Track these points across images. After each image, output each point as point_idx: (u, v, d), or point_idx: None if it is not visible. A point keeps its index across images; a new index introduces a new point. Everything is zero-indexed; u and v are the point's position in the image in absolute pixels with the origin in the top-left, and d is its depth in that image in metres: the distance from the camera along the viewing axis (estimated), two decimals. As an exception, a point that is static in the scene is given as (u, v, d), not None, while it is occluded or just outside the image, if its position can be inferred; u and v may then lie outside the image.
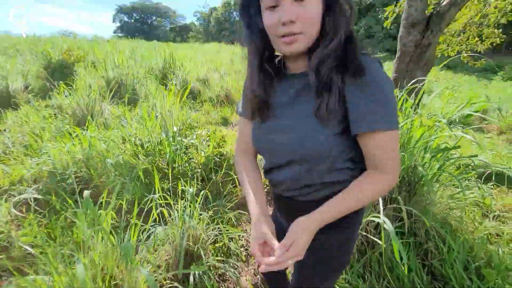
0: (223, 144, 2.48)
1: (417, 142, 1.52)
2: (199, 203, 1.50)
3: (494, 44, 4.92)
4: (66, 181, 1.95)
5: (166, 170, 2.03)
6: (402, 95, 1.66)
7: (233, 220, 1.85)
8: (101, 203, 1.31)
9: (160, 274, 1.27)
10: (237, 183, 2.21)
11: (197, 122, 3.10)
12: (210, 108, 4.94)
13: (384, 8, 4.44)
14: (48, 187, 1.95)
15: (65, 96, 3.56)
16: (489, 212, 2.06)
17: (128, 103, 3.99)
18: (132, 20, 59.25)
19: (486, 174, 2.46)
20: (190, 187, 1.50)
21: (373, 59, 0.63)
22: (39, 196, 1.65)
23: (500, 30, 4.72)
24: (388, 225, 1.12)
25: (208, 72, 7.15)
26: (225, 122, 4.40)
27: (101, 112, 3.29)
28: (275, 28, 0.61)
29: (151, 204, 1.44)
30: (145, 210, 1.45)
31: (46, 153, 2.21)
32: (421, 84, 1.74)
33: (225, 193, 2.07)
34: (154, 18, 60.72)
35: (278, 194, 0.80)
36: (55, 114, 3.29)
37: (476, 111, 1.76)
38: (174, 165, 2.08)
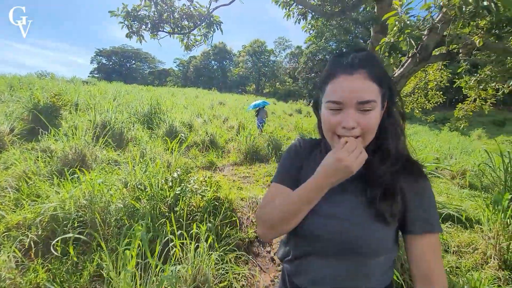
0: (219, 189, 2.69)
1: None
2: (208, 244, 1.66)
3: (439, 102, 5.98)
4: (67, 226, 1.99)
5: (168, 214, 2.17)
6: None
7: (233, 261, 1.99)
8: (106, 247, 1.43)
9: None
10: (237, 225, 2.39)
11: (191, 168, 3.29)
12: (197, 152, 5.15)
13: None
14: (47, 232, 1.98)
15: (56, 139, 3.62)
16: (449, 248, 2.42)
17: (117, 147, 4.12)
18: (111, 63, 60.36)
19: (443, 214, 2.90)
20: (197, 229, 1.68)
21: (420, 163, 0.71)
22: (53, 241, 1.69)
23: (441, 92, 5.82)
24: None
25: (192, 117, 7.52)
26: (212, 166, 4.61)
27: (94, 156, 3.37)
28: (334, 127, 0.65)
29: (161, 245, 1.58)
30: (158, 251, 1.58)
31: (44, 197, 2.25)
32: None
33: (223, 235, 2.22)
34: (133, 62, 62.51)
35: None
36: (44, 157, 3.31)
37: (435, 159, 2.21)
38: (176, 209, 2.23)
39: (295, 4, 3.65)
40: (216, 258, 1.79)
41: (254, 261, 2.15)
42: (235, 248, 2.11)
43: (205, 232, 1.77)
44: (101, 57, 59.60)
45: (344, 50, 0.72)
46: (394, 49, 1.95)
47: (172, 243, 1.69)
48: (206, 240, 1.81)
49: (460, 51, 2.88)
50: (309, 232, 0.69)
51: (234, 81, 54.96)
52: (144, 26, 3.00)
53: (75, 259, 1.61)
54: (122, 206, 2.11)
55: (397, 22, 1.85)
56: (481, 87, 4.05)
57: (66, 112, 5.69)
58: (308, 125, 9.83)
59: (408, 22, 1.82)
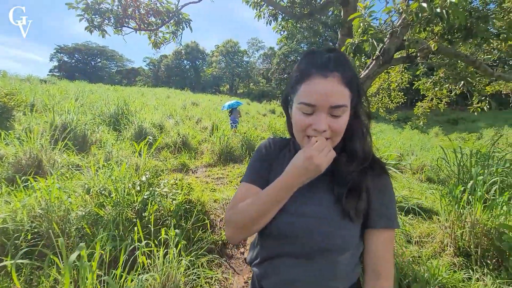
0: (191, 191, 2.61)
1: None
2: (178, 250, 1.60)
3: (401, 102, 6.41)
4: (18, 239, 1.80)
5: (135, 220, 2.06)
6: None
7: (205, 265, 1.94)
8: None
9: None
10: (208, 228, 2.33)
11: (162, 170, 3.16)
12: (168, 155, 4.98)
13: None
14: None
15: (7, 144, 3.27)
16: (411, 238, 2.59)
17: (79, 150, 3.83)
18: (73, 61, 56.31)
19: (406, 207, 3.09)
20: (166, 235, 1.61)
21: (384, 163, 0.74)
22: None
23: (402, 93, 6.24)
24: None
25: (163, 118, 7.26)
26: (184, 168, 4.48)
27: (53, 161, 3.10)
28: (305, 129, 0.65)
29: (126, 253, 1.49)
30: (122, 260, 1.49)
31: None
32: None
33: (195, 239, 2.16)
34: (99, 60, 58.91)
35: None
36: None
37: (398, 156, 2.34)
38: (144, 214, 2.12)
39: (265, 5, 3.68)
40: (187, 264, 1.73)
41: (227, 264, 2.11)
42: (206, 252, 2.05)
43: (175, 237, 1.70)
44: (62, 54, 55.32)
45: (316, 49, 0.71)
46: (359, 50, 2.03)
47: (139, 251, 1.60)
48: (177, 245, 1.74)
49: (418, 54, 3.09)
50: (277, 232, 0.69)
51: (208, 81, 54.13)
52: (106, 21, 2.82)
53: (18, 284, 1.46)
54: (84, 214, 1.96)
55: (361, 24, 1.94)
56: (436, 88, 4.40)
57: (20, 113, 5.19)
58: (281, 125, 9.97)
59: (372, 24, 1.92)
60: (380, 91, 5.85)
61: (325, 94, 0.61)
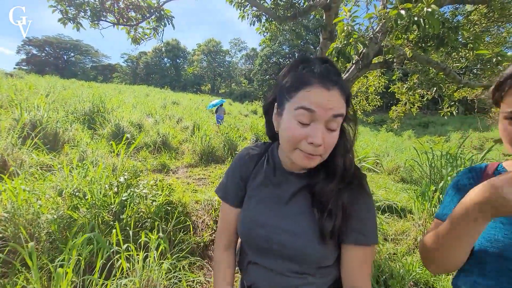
0: (171, 192, 2.54)
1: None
2: (159, 253, 1.55)
3: (378, 105, 6.69)
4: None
5: (113, 223, 1.97)
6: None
7: (187, 267, 1.90)
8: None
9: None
10: (191, 230, 2.28)
11: (141, 171, 3.05)
12: (147, 154, 4.82)
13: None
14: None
15: (-34, 142, 3.00)
16: (387, 236, 2.70)
17: (50, 150, 3.60)
18: (43, 54, 52.90)
19: (383, 206, 3.22)
20: (146, 238, 1.55)
21: (363, 174, 0.71)
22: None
23: (379, 97, 6.52)
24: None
25: (142, 116, 7.03)
26: (164, 169, 4.36)
27: (20, 161, 2.89)
28: (299, 142, 0.61)
29: (104, 258, 1.42)
30: (99, 265, 1.41)
31: None
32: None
33: (176, 241, 2.11)
34: (72, 54, 55.83)
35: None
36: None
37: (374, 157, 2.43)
38: (122, 216, 2.03)
39: (249, 5, 3.68)
40: (168, 267, 1.68)
41: (210, 266, 2.08)
42: (188, 255, 2.01)
43: (156, 240, 1.65)
44: (30, 47, 51.78)
45: (310, 56, 0.69)
46: (342, 54, 2.09)
47: (120, 255, 1.53)
48: (157, 248, 1.68)
49: (395, 60, 3.24)
50: (255, 244, 0.71)
51: (189, 80, 53.14)
52: (82, 13, 2.67)
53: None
54: (55, 217, 1.84)
55: (345, 27, 1.99)
56: (410, 93, 4.64)
57: (-19, 109, 4.79)
58: (263, 126, 10.02)
59: (355, 28, 1.98)
60: (359, 94, 6.07)
61: (327, 105, 0.58)
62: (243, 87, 50.02)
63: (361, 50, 3.40)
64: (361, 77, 5.67)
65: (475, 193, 0.51)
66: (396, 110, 5.81)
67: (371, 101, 6.03)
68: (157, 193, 2.36)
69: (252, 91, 45.01)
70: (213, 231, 2.46)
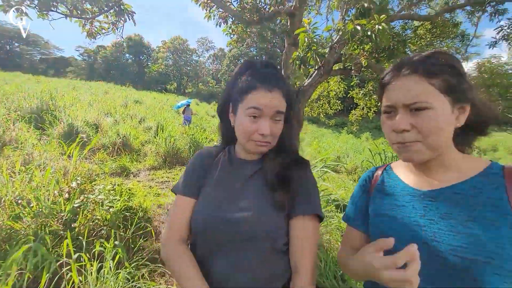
0: (131, 197, 2.41)
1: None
2: (115, 262, 1.47)
3: (338, 109, 7.10)
4: None
5: (63, 232, 1.81)
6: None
7: (147, 275, 1.82)
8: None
9: None
10: (152, 236, 2.19)
11: (97, 174, 2.83)
12: (105, 157, 4.51)
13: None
14: None
15: None
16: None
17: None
18: (-21, 42, 46.41)
19: (341, 205, 3.43)
20: (102, 247, 1.46)
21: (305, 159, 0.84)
22: None
23: (340, 101, 6.94)
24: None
25: (99, 116, 6.54)
26: (125, 172, 4.11)
27: None
28: (252, 134, 0.74)
29: (51, 271, 1.30)
30: (45, 280, 1.29)
31: None
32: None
33: (136, 249, 2.01)
34: (16, 44, 49.83)
35: None
36: None
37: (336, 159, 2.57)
38: (74, 225, 1.87)
39: (215, 6, 3.65)
40: (126, 276, 1.60)
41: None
42: (149, 262, 1.93)
43: (112, 249, 1.55)
44: (-38, 34, 45.01)
45: (257, 61, 0.81)
46: (304, 62, 2.19)
47: (68, 267, 1.41)
48: (114, 258, 1.59)
49: (352, 68, 3.47)
50: (214, 230, 0.72)
51: (153, 78, 50.69)
52: (28, 1, 2.41)
53: None
54: (-9, 228, 1.63)
55: (306, 38, 2.09)
56: (367, 98, 5.01)
57: None
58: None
59: (315, 40, 2.09)
60: (321, 98, 6.38)
61: (270, 104, 0.73)
62: (210, 87, 49.23)
63: (323, 58, 3.58)
64: (323, 82, 5.97)
65: (363, 264, 0.56)
66: (355, 114, 6.24)
67: (333, 105, 6.37)
68: (115, 199, 2.22)
69: (219, 92, 44.52)
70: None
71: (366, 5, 2.16)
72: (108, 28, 3.18)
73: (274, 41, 35.88)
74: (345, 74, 3.98)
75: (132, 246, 2.02)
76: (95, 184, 2.45)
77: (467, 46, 5.26)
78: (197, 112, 16.40)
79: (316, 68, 3.74)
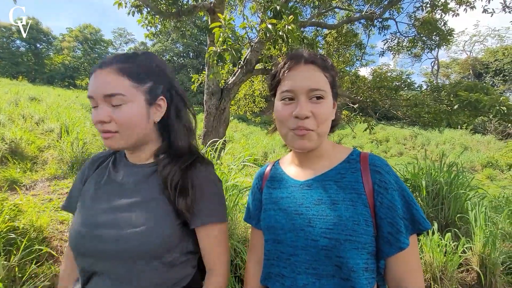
0: (18, 215, 1.95)
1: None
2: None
3: (264, 107, 7.46)
4: None
5: None
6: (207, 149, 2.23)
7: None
8: None
9: None
10: (51, 258, 1.81)
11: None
12: (-18, 168, 3.55)
13: (191, 75, 5.54)
14: None
15: None
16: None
17: None
18: None
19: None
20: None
21: (208, 160, 0.78)
22: None
23: (264, 100, 7.30)
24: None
25: (-27, 117, 5.11)
26: (12, 185, 3.32)
27: None
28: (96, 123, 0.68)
29: None
30: None
31: None
32: (221, 140, 2.43)
33: (25, 277, 1.63)
34: None
35: None
36: None
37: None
38: None
39: (127, -7, 3.31)
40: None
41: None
42: (45, 289, 1.61)
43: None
44: None
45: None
46: (221, 58, 2.18)
47: None
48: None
49: (272, 68, 3.68)
50: (91, 250, 0.64)
51: (57, 72, 42.59)
52: None
53: None
54: None
55: (221, 34, 2.09)
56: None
57: None
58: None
59: (230, 35, 2.11)
60: (247, 97, 6.58)
61: (101, 84, 0.63)
62: (132, 84, 44.55)
63: (244, 56, 3.68)
64: (248, 81, 6.16)
65: None
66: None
67: (258, 103, 6.65)
68: (-7, 219, 1.75)
69: (143, 89, 40.70)
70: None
71: (278, 8, 2.30)
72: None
73: (201, 38, 35.02)
74: (266, 74, 4.19)
75: (19, 275, 1.64)
76: (-40, 204, 1.89)
77: (362, 54, 6.24)
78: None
79: (239, 66, 3.81)
